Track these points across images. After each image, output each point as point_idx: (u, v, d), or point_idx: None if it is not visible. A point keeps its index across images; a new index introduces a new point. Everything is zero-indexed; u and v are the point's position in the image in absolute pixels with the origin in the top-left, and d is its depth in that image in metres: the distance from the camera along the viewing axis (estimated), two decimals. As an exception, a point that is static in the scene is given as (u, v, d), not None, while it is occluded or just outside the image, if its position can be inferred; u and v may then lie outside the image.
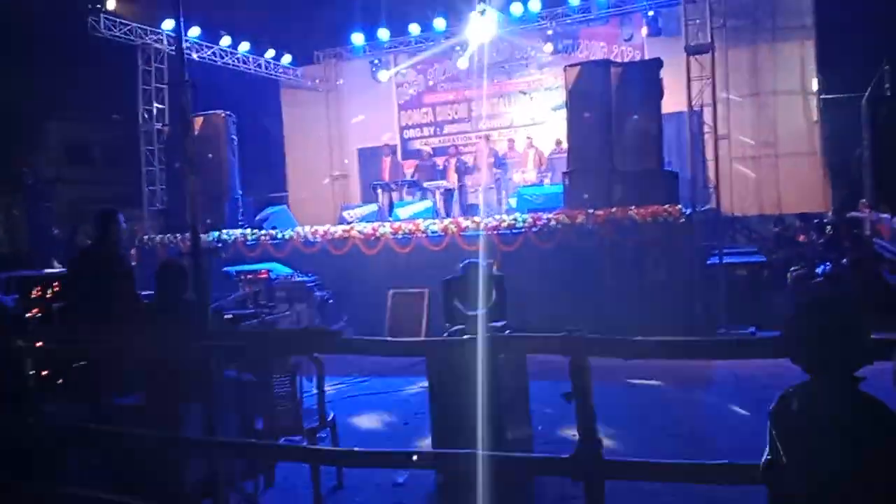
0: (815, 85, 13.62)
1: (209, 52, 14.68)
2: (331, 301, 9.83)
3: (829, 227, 10.40)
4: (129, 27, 13.36)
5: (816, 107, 13.60)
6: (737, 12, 13.57)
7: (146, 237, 12.28)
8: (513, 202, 12.50)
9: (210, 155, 12.20)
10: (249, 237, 11.23)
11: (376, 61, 16.73)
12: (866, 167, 8.63)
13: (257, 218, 12.37)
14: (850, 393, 2.13)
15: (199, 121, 11.96)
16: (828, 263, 9.26)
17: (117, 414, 4.58)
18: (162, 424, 4.23)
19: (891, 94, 12.14)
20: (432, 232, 10.04)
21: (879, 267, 9.16)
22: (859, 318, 2.19)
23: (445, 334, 4.96)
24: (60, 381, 5.25)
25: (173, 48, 13.71)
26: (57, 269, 11.50)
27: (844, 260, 9.15)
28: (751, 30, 13.75)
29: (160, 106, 14.09)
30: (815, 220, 11.39)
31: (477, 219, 10.27)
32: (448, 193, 13.68)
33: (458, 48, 15.68)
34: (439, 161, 15.18)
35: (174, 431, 4.17)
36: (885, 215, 9.36)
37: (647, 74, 9.95)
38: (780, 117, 13.71)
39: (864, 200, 11.13)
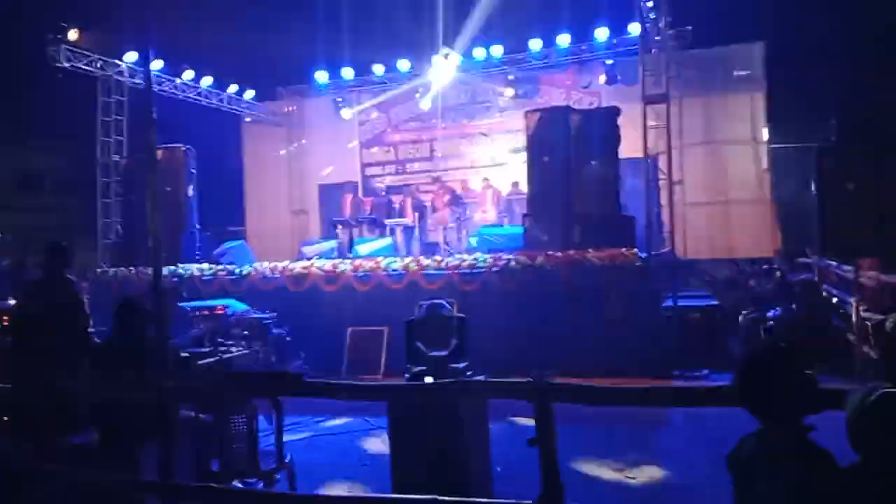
0: (765, 135, 14.17)
1: (171, 86, 14.63)
2: (288, 338, 9.71)
3: (778, 273, 10.72)
4: (89, 58, 13.26)
5: (766, 156, 14.14)
6: (691, 64, 14.11)
7: (99, 270, 12.04)
8: (473, 241, 12.61)
9: (168, 188, 12.09)
10: (206, 272, 11.08)
11: (339, 99, 16.86)
12: (813, 215, 8.92)
13: (215, 252, 12.22)
14: (798, 441, 2.21)
15: (158, 153, 11.82)
16: (778, 308, 9.52)
17: (69, 453, 4.45)
18: (116, 465, 4.13)
19: (837, 145, 12.65)
20: (393, 270, 10.06)
21: (827, 312, 9.46)
22: (805, 368, 2.28)
23: (407, 375, 4.98)
24: (6, 418, 5.10)
25: (136, 81, 13.66)
26: (5, 301, 11.16)
27: (794, 305, 9.42)
28: (704, 81, 14.29)
29: (119, 138, 13.95)
30: (765, 266, 11.73)
31: (438, 258, 10.34)
32: (408, 231, 13.75)
33: (420, 89, 15.94)
34: (396, 199, 15.28)
35: (128, 472, 4.08)
36: (831, 262, 9.68)
37: (604, 122, 10.24)
38: (732, 165, 14.21)
39: (811, 247, 11.53)
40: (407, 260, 10.41)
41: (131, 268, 11.31)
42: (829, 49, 14.25)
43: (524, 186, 11.56)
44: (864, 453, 2.07)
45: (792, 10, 13.86)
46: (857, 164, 8.59)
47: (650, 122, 10.51)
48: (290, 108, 17.59)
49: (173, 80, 14.67)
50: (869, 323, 7.92)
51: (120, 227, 13.45)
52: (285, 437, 5.00)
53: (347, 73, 16.37)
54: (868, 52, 14.15)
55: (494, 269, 9.54)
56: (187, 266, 11.27)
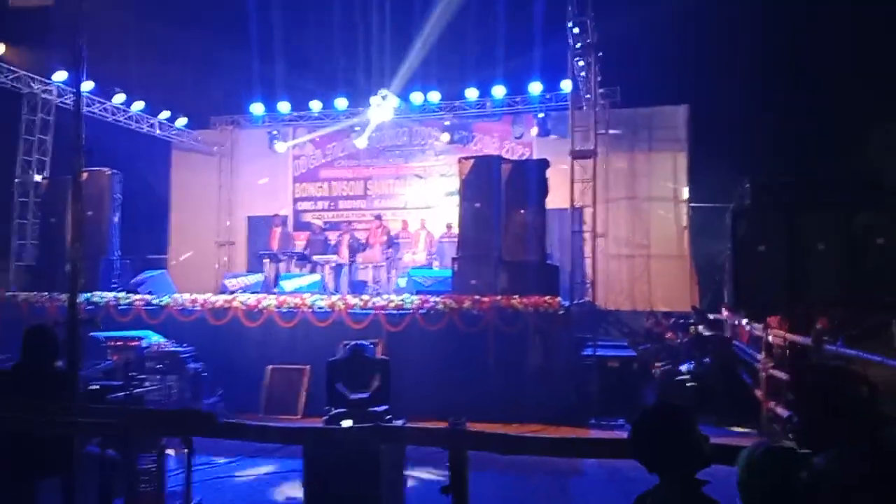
0: (685, 193, 14.80)
1: (101, 108, 14.29)
2: (205, 374, 9.44)
3: (692, 327, 11.10)
4: (16, 74, 12.85)
5: (686, 213, 14.76)
6: (618, 122, 14.71)
7: (9, 293, 11.49)
8: (402, 282, 12.63)
9: (90, 213, 11.70)
10: (122, 301, 10.71)
11: (275, 132, 16.78)
12: (728, 273, 9.31)
13: (133, 281, 11.86)
14: (692, 495, 2.32)
15: (83, 175, 11.47)
16: (691, 362, 9.84)
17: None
18: (10, 501, 3.92)
19: (750, 207, 13.29)
20: (319, 308, 9.95)
21: (737, 368, 9.83)
22: (695, 425, 2.40)
23: (325, 418, 4.93)
24: None
25: (64, 101, 13.29)
26: None
27: (706, 359, 9.76)
28: (630, 139, 14.90)
29: (42, 157, 13.48)
30: (682, 320, 12.14)
31: (365, 297, 10.30)
32: (337, 268, 13.67)
33: (357, 128, 16.04)
34: (332, 236, 15.20)
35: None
36: (743, 320, 10.10)
37: (534, 172, 10.51)
38: (654, 221, 14.78)
39: (725, 304, 12.00)
40: (334, 298, 10.33)
41: (45, 293, 10.83)
42: (748, 114, 15.07)
43: (456, 230, 11.70)
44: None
45: (714, 76, 14.66)
46: (768, 226, 9.00)
47: (577, 176, 10.85)
48: (222, 138, 17.36)
49: (104, 103, 14.35)
50: (775, 380, 8.27)
51: (35, 250, 12.90)
52: (195, 478, 4.86)
53: (284, 106, 16.37)
54: (784, 118, 15.02)
55: (421, 311, 9.57)
56: (103, 294, 10.87)
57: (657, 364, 10.37)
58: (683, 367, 9.86)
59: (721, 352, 9.96)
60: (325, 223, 16.20)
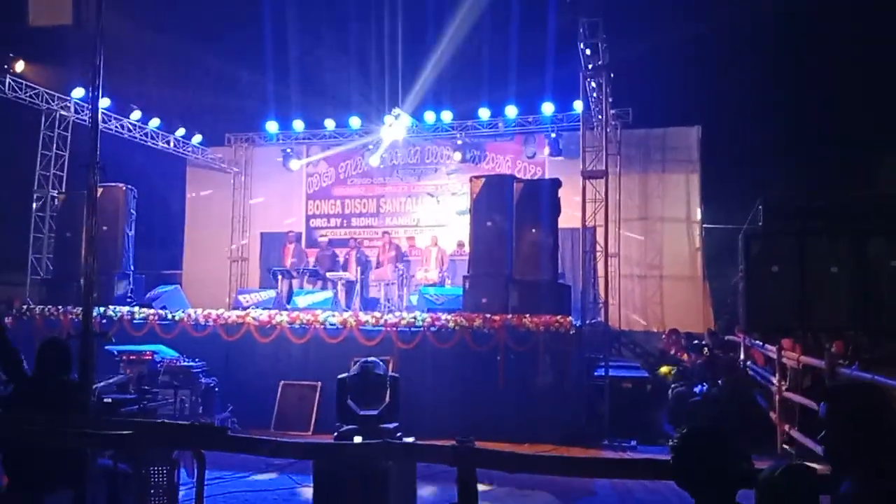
0: (698, 214, 14.76)
1: (118, 125, 14.46)
2: (217, 389, 9.45)
3: (706, 349, 11.01)
4: (35, 91, 13.04)
5: (699, 235, 14.70)
6: (631, 143, 14.74)
7: (25, 306, 11.57)
8: (414, 299, 12.62)
9: (105, 227, 11.78)
10: (137, 316, 10.77)
11: (289, 150, 16.88)
12: (741, 295, 9.26)
13: (147, 296, 11.91)
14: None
15: (98, 191, 11.58)
16: (705, 384, 9.76)
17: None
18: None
19: (764, 228, 13.26)
20: (331, 324, 9.96)
21: (751, 391, 9.74)
22: (737, 445, 2.39)
23: (336, 434, 4.92)
24: None
25: (81, 117, 13.46)
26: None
27: (720, 382, 9.67)
28: (643, 160, 14.92)
29: (59, 173, 13.64)
30: (695, 341, 12.05)
31: (377, 314, 10.30)
32: (350, 285, 13.68)
33: (370, 146, 16.13)
34: (340, 252, 15.24)
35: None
36: (757, 342, 10.02)
37: (546, 192, 10.51)
38: (667, 242, 14.74)
39: (739, 326, 11.91)
40: (346, 314, 10.34)
41: (59, 306, 10.91)
42: (760, 135, 15.06)
43: (468, 248, 11.69)
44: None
45: (726, 97, 14.67)
46: (781, 248, 8.97)
47: (589, 196, 10.84)
48: (237, 156, 17.50)
49: (120, 119, 14.52)
50: (790, 403, 8.19)
51: (50, 264, 13.01)
52: (206, 492, 4.85)
53: (298, 125, 16.49)
54: (797, 140, 15.00)
55: (432, 328, 9.55)
56: (118, 308, 10.94)
57: (671, 386, 10.28)
58: (697, 389, 9.77)
59: (735, 374, 9.87)
60: (330, 240, 16.19)
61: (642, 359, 13.25)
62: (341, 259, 14.86)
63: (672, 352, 12.34)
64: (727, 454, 2.37)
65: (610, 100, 11.98)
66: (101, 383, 6.81)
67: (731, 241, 14.51)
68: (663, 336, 13.31)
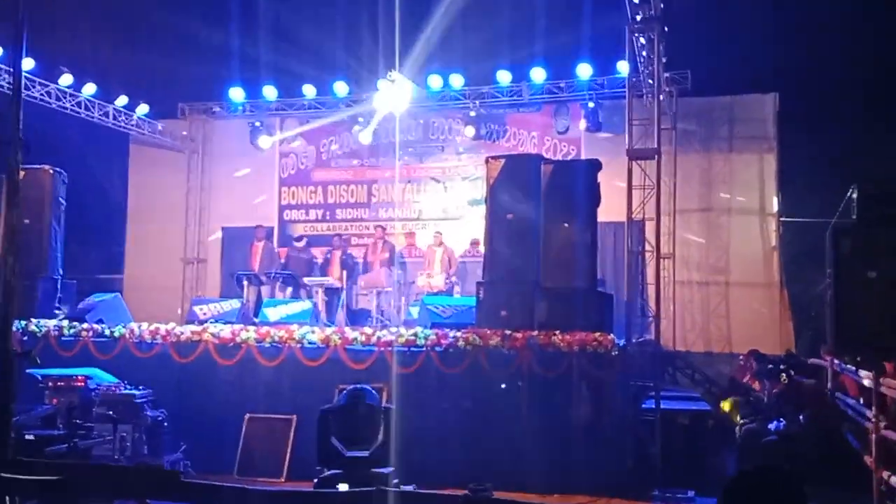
0: (774, 205, 14.71)
1: (42, 91, 14.53)
2: (166, 424, 9.52)
3: (783, 375, 10.97)
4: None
5: (775, 230, 14.65)
6: (690, 114, 14.68)
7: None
8: (414, 312, 12.64)
9: (27, 221, 11.84)
10: (66, 331, 10.84)
11: (258, 123, 16.94)
12: (829, 307, 9.20)
13: (80, 307, 11.98)
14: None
15: (20, 174, 11.66)
16: (782, 420, 9.72)
17: None
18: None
19: (858, 223, 13.17)
20: (310, 342, 9.99)
21: (841, 427, 9.69)
22: (803, 494, 2.38)
23: (316, 480, 4.94)
24: None
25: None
26: None
27: (801, 416, 9.63)
28: (704, 136, 14.87)
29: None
30: (770, 366, 12.00)
31: (368, 330, 10.33)
32: (333, 294, 13.72)
33: (360, 119, 16.15)
34: (321, 253, 15.23)
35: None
36: (848, 366, 9.97)
37: (582, 176, 10.50)
38: (735, 239, 14.69)
39: (825, 346, 11.85)
40: (328, 331, 10.37)
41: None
42: (854, 105, 14.93)
43: (483, 247, 11.71)
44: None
45: (811, 57, 14.56)
46: (880, 246, 8.90)
47: (636, 181, 10.82)
48: (193, 131, 17.56)
49: (46, 85, 14.59)
50: (890, 443, 8.15)
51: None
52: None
53: (269, 92, 16.51)
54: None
55: (437, 348, 9.57)
56: (43, 322, 11.00)
57: (739, 422, 10.25)
58: (772, 426, 9.74)
59: (820, 407, 9.84)
60: (306, 236, 16.16)
61: (703, 387, 13.21)
62: (322, 261, 14.87)
63: (745, 378, 12.30)
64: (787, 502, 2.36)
65: (663, 60, 11.95)
66: (22, 415, 6.87)
67: (816, 238, 14.43)
68: (740, 359, 13.23)
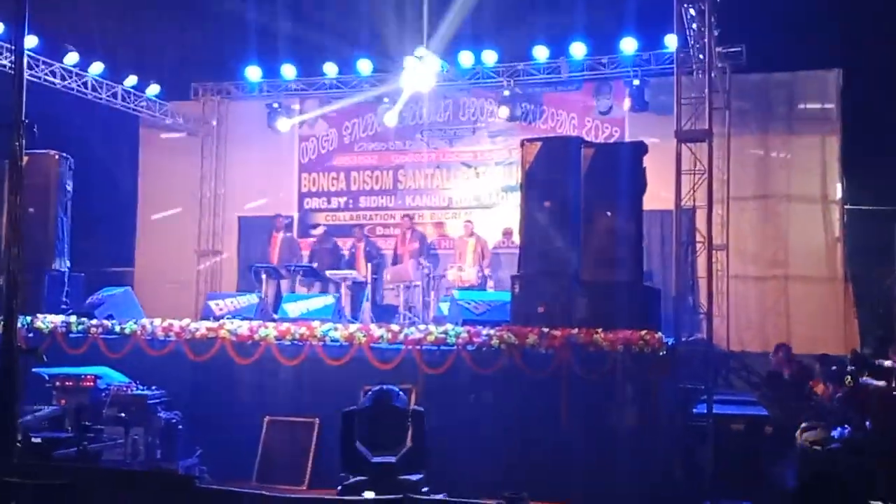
0: (838, 191, 14.55)
1: (47, 71, 14.69)
2: (180, 426, 9.62)
3: (848, 378, 10.86)
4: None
5: (839, 220, 14.49)
6: (745, 93, 14.55)
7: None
8: (444, 308, 12.66)
9: (32, 209, 11.99)
10: (74, 328, 10.98)
11: (276, 105, 17.00)
12: (896, 303, 9.12)
13: (88, 302, 12.13)
14: None
15: (24, 160, 11.81)
16: (846, 426, 9.64)
17: None
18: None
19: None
20: (332, 340, 10.04)
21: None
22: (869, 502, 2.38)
23: (340, 488, 4.98)
24: None
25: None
26: None
27: (868, 423, 9.55)
28: (761, 116, 14.73)
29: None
30: (833, 367, 11.89)
31: (395, 327, 10.35)
32: (358, 288, 13.76)
33: (386, 100, 16.17)
34: (344, 244, 15.27)
35: None
36: (921, 368, 9.88)
37: (627, 160, 10.45)
38: (794, 229, 14.56)
39: (894, 346, 11.72)
40: (352, 328, 10.41)
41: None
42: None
43: (518, 238, 11.70)
44: None
45: (878, 30, 14.35)
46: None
47: (686, 166, 10.74)
48: (207, 113, 17.67)
49: (52, 65, 14.73)
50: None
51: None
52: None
53: (288, 71, 16.57)
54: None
55: (469, 346, 9.57)
56: (49, 318, 11.15)
57: (800, 428, 10.17)
58: (835, 434, 9.67)
59: (888, 412, 9.74)
60: (327, 226, 16.29)
61: (760, 390, 13.10)
62: (346, 253, 14.93)
63: (793, 380, 12.20)
64: None
65: (715, 33, 11.83)
66: (28, 416, 6.98)
67: (883, 227, 14.29)
68: (771, 356, 13.15)
